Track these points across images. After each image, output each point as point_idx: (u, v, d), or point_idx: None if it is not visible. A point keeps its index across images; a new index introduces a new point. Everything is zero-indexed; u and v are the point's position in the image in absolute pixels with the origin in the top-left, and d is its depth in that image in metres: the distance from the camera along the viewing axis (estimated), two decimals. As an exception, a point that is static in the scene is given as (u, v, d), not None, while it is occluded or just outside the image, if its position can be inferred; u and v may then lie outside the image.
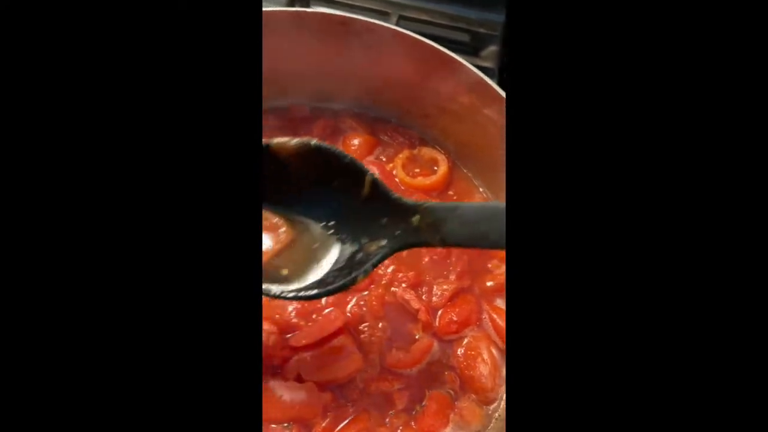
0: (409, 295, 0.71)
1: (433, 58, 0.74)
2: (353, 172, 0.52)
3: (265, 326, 0.66)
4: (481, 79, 0.70)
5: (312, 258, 0.53)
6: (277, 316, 0.68)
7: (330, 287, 0.51)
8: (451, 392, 0.67)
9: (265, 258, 0.54)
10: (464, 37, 1.07)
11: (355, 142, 0.83)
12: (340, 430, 0.63)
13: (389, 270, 0.74)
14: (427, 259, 0.75)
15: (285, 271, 0.53)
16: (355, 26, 0.77)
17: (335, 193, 0.53)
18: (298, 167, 0.52)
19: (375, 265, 0.51)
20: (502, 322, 0.70)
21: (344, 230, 0.54)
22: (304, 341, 0.66)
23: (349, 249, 0.53)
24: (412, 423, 0.64)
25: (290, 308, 0.70)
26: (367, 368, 0.67)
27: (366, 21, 0.77)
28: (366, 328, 0.69)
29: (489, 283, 0.74)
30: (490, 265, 0.76)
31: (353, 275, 0.51)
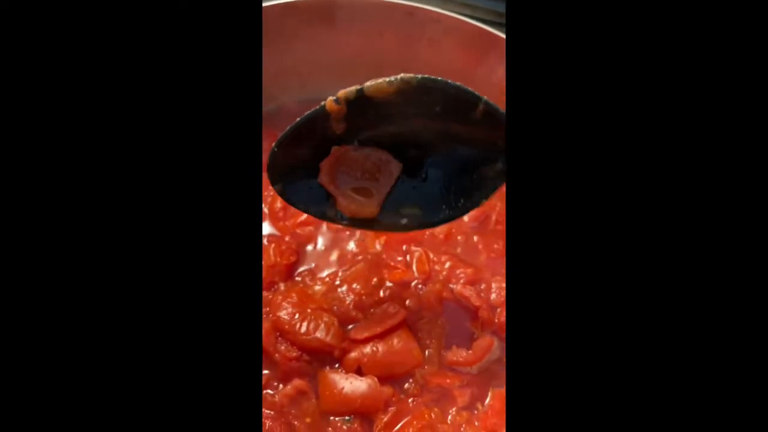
0: (470, 292, 0.70)
1: (485, 41, 0.74)
2: (461, 101, 0.50)
3: (325, 317, 0.65)
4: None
5: (423, 191, 0.55)
6: (335, 307, 0.67)
7: (452, 212, 0.54)
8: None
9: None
10: (508, 34, 1.07)
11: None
12: (402, 425, 0.62)
13: (446, 266, 0.73)
14: (484, 256, 0.74)
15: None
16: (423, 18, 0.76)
17: (440, 123, 0.52)
18: (397, 104, 0.51)
19: (496, 188, 0.53)
20: None
21: (451, 157, 0.54)
22: (365, 334, 0.65)
23: (462, 175, 0.55)
24: (476, 422, 0.63)
25: (348, 300, 0.68)
26: (426, 364, 0.66)
27: (414, 6, 0.75)
28: (424, 324, 0.68)
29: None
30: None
31: (474, 198, 0.54)
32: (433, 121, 0.52)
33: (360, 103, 0.51)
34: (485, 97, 0.50)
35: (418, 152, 0.55)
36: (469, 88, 0.50)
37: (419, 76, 0.49)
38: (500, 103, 0.77)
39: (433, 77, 0.50)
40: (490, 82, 0.76)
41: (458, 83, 0.50)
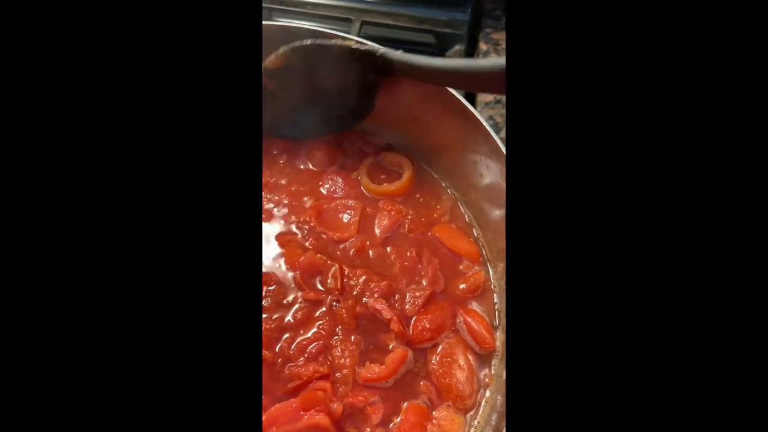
0: (381, 305, 0.69)
1: None
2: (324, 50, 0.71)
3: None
4: (444, 88, 0.70)
5: None
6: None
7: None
8: (428, 402, 0.65)
9: None
10: (430, 39, 1.06)
11: (317, 154, 0.82)
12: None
13: (361, 280, 0.72)
14: (398, 266, 0.73)
15: None
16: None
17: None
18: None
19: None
20: (477, 326, 0.68)
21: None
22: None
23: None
24: (390, 437, 0.62)
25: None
26: (340, 386, 0.65)
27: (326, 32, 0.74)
28: (337, 342, 0.67)
29: (462, 286, 0.72)
30: (461, 267, 0.75)
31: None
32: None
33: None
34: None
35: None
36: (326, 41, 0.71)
37: (289, 48, 0.72)
38: (413, 120, 0.77)
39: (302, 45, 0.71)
40: (403, 99, 0.76)
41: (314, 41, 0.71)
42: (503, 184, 0.68)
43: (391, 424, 0.64)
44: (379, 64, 0.69)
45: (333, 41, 0.71)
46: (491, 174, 0.71)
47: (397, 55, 0.67)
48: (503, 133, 0.92)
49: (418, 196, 0.80)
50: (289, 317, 0.69)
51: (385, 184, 0.80)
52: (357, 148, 0.83)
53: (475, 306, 0.72)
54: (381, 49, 0.68)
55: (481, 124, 0.67)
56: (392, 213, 0.77)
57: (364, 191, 0.79)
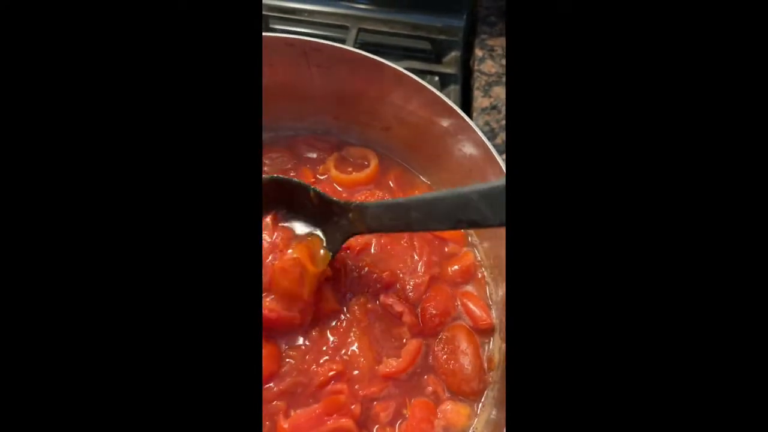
0: (392, 299, 0.68)
1: (379, 72, 0.72)
2: (301, 188, 0.68)
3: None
4: (426, 88, 0.69)
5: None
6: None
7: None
8: (434, 395, 0.64)
9: None
10: (426, 45, 1.08)
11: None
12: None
13: (364, 272, 0.71)
14: (395, 256, 0.73)
15: None
16: (305, 48, 0.73)
17: (299, 206, 0.69)
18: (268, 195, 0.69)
19: (336, 251, 0.66)
20: (474, 307, 0.69)
21: (320, 229, 0.69)
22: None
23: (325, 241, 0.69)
24: (401, 436, 0.61)
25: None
26: (356, 384, 0.63)
27: (317, 42, 0.73)
28: (353, 340, 0.66)
29: (454, 267, 0.72)
30: (446, 249, 0.74)
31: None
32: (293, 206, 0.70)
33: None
34: (316, 187, 0.68)
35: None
36: (303, 182, 0.69)
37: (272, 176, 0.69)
38: (400, 122, 0.77)
39: (279, 177, 0.69)
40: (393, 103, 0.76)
41: (295, 179, 0.70)
42: (480, 164, 0.67)
43: (401, 421, 0.62)
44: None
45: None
46: (466, 152, 0.70)
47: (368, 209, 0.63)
48: (499, 139, 0.93)
49: (391, 185, 0.81)
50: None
51: (354, 174, 0.80)
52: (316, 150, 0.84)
53: (470, 288, 0.72)
54: (354, 203, 0.65)
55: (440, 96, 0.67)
56: (371, 199, 0.77)
57: (336, 184, 0.79)
